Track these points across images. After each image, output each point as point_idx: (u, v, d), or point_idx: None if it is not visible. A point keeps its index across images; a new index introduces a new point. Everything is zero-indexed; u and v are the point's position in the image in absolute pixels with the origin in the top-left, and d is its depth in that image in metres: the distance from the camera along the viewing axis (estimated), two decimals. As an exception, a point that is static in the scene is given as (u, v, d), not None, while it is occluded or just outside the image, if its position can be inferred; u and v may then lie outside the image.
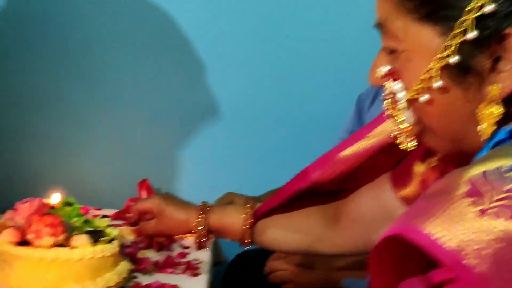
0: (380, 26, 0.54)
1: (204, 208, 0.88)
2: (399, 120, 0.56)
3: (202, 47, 1.63)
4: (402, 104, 0.53)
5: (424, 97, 0.51)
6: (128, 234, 0.94)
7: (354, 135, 0.79)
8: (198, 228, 0.87)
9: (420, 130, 0.55)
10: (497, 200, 0.38)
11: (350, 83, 1.50)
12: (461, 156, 0.58)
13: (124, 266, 0.92)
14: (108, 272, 0.87)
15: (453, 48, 0.48)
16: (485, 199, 0.38)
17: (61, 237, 0.83)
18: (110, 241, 0.88)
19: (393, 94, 0.55)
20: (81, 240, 0.83)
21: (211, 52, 1.64)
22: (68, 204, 0.93)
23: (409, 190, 0.75)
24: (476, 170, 0.41)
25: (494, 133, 0.49)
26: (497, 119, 0.48)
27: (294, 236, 0.88)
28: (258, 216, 0.87)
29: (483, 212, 0.38)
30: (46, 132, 1.62)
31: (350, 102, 1.45)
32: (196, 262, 1.05)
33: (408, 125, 0.55)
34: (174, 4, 1.60)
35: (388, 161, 0.79)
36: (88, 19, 1.59)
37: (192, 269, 1.01)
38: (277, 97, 1.68)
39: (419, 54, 0.51)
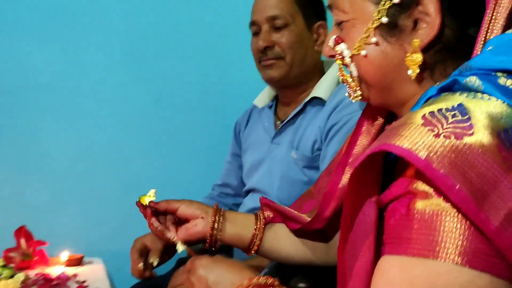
0: (331, 6, 0.72)
1: (219, 214, 0.98)
2: (348, 79, 0.73)
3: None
4: (347, 60, 0.70)
5: (363, 52, 0.68)
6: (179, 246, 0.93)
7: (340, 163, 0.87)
8: (214, 233, 0.96)
9: (360, 84, 0.72)
10: (445, 128, 0.53)
11: (229, 113, 1.63)
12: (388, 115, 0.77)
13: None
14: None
15: (383, 11, 0.66)
16: (438, 128, 0.53)
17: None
18: (11, 277, 0.85)
19: (340, 55, 0.71)
20: (-19, 278, 0.80)
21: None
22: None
23: None
24: (424, 111, 0.56)
25: (426, 91, 0.64)
26: (418, 64, 0.65)
27: (298, 247, 0.99)
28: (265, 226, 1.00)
29: (438, 135, 0.53)
30: None
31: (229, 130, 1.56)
32: (98, 291, 1.04)
33: (353, 80, 0.72)
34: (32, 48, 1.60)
35: None
36: None
37: (96, 297, 1.00)
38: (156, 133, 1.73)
39: (360, 20, 0.68)
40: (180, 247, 0.89)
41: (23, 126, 1.62)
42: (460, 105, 0.55)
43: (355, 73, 0.71)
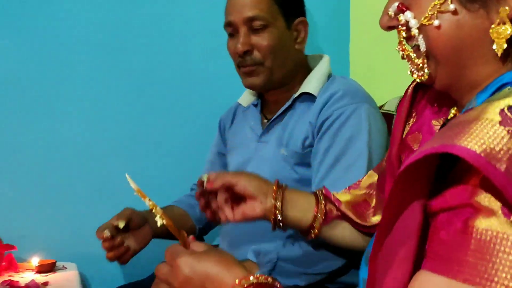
0: None
1: (280, 196, 0.95)
2: (411, 55, 0.63)
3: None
4: (414, 31, 0.60)
5: (436, 22, 0.58)
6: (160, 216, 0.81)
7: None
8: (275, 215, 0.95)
9: (428, 60, 0.61)
10: None
11: (213, 108, 1.56)
12: (450, 100, 0.67)
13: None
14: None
15: None
16: None
17: None
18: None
19: (405, 25, 0.61)
20: None
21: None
22: None
23: None
24: (502, 104, 0.47)
25: (502, 75, 0.55)
26: (506, 37, 0.54)
27: (358, 237, 0.97)
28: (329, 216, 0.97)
29: None
30: None
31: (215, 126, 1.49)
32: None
33: (417, 56, 0.62)
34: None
35: None
36: None
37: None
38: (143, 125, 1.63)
39: None
40: (159, 220, 0.81)
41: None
42: None
43: (423, 47, 0.61)
